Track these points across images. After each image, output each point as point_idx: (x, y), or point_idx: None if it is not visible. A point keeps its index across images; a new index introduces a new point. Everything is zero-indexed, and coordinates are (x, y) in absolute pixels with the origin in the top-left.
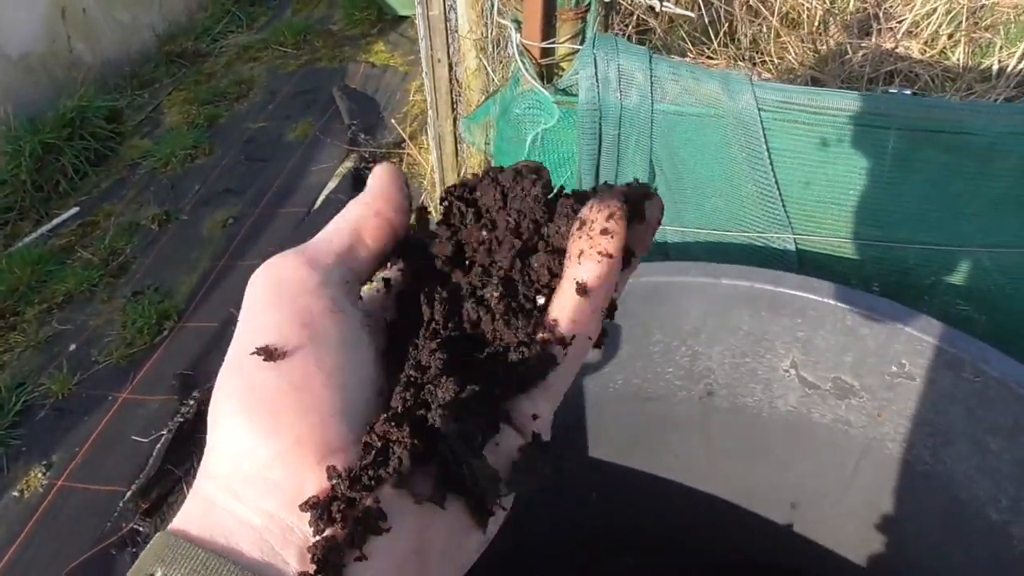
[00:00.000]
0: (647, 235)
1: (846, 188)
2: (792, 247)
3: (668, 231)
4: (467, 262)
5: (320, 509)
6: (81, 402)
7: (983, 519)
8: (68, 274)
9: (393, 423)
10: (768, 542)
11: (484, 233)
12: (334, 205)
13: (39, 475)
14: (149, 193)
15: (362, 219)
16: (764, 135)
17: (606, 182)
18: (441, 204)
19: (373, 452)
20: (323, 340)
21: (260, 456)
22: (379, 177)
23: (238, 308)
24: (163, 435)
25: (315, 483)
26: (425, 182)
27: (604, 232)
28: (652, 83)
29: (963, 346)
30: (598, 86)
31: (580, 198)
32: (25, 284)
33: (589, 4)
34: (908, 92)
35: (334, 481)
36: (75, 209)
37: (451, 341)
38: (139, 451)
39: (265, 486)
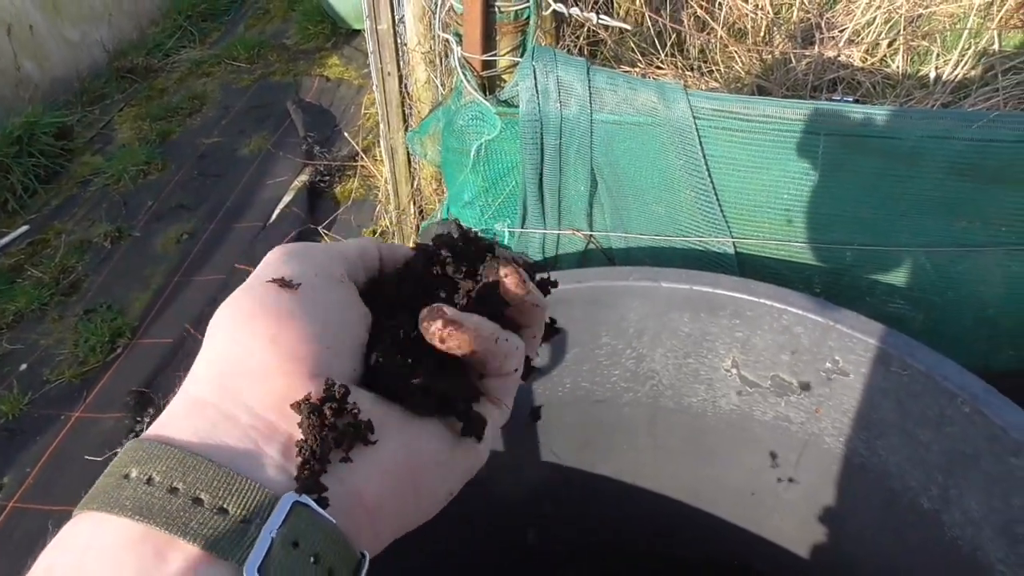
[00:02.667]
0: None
1: (781, 192)
2: (731, 250)
3: (612, 237)
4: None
5: (311, 407)
6: (33, 422)
7: (916, 508)
8: (18, 293)
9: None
10: (717, 538)
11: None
12: (290, 219)
13: None
14: (101, 210)
15: (370, 246)
16: (700, 142)
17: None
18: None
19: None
20: (334, 290)
21: (257, 359)
22: (382, 248)
23: (193, 324)
24: (117, 453)
25: (304, 393)
26: (380, 194)
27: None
28: (591, 93)
29: (891, 341)
30: (538, 97)
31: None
32: None
33: (528, 17)
34: (851, 99)
35: (330, 384)
36: (24, 227)
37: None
38: (93, 470)
39: (259, 388)
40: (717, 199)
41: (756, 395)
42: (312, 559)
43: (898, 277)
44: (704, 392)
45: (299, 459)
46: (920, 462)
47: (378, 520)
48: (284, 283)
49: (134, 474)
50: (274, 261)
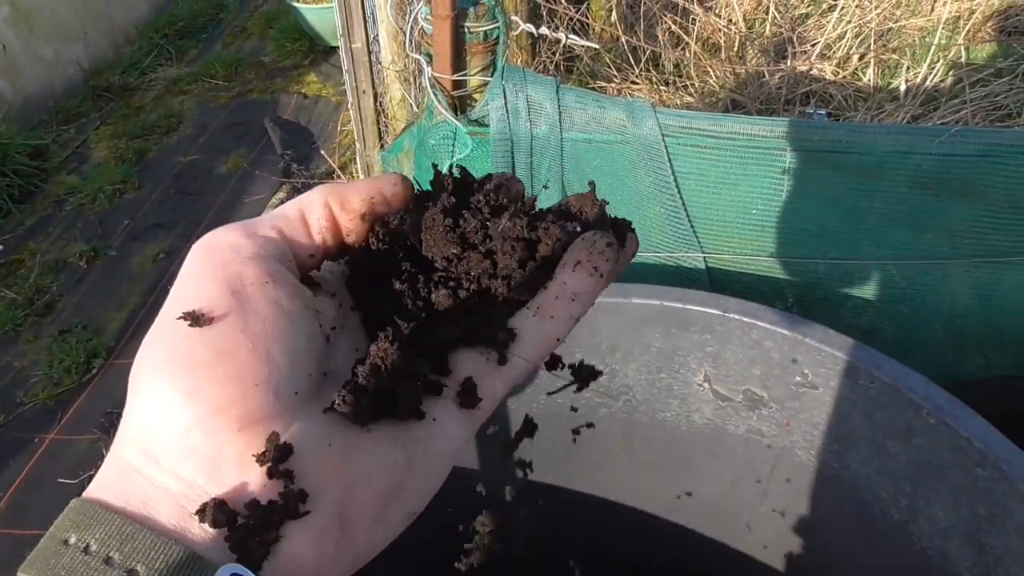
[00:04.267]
0: (622, 267)
1: (750, 208)
2: (702, 265)
3: None
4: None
5: (221, 513)
6: (5, 445)
7: (886, 519)
8: None
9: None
10: (693, 551)
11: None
12: None
13: None
14: (76, 229)
15: (312, 209)
16: (669, 159)
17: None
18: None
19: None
20: (253, 308)
21: (179, 421)
22: (359, 184)
23: None
24: (92, 475)
25: (234, 451)
26: None
27: (603, 253)
28: (560, 112)
29: (858, 354)
30: (508, 116)
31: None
32: None
33: (498, 37)
34: (823, 112)
35: (260, 455)
36: None
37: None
38: (67, 493)
39: (183, 451)
40: (687, 215)
41: (729, 409)
42: None
43: (868, 289)
44: (678, 407)
45: (227, 531)
46: (889, 473)
47: (323, 570)
48: (195, 319)
49: (72, 540)
50: (186, 279)
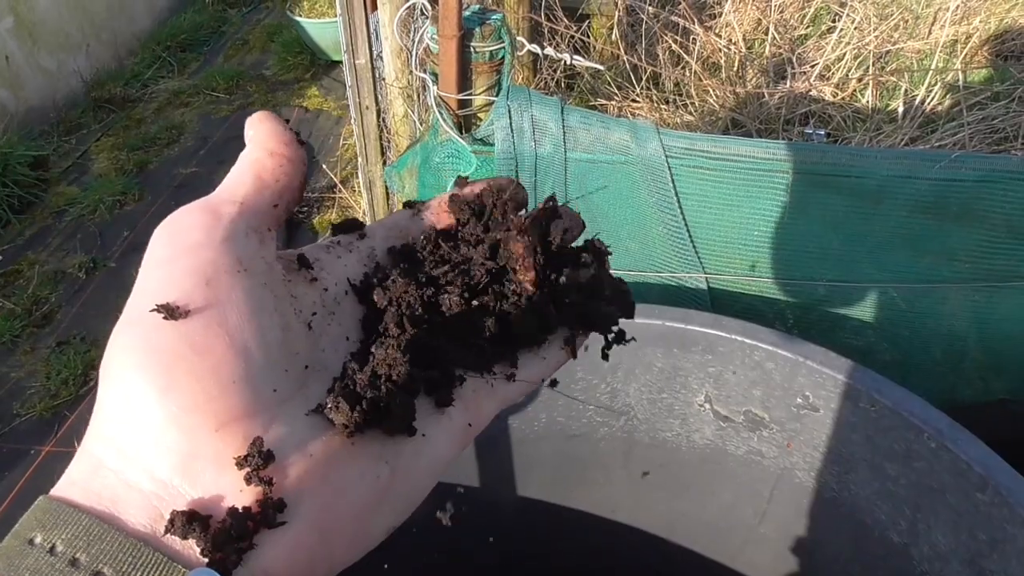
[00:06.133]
0: None
1: (751, 229)
2: (704, 286)
3: None
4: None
5: (193, 522)
6: (1, 457)
7: (886, 542)
8: None
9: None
10: (691, 571)
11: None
12: None
13: None
14: (76, 241)
15: (258, 162)
16: (672, 180)
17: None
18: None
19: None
20: (228, 300)
21: (153, 419)
22: (258, 122)
23: None
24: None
25: (211, 450)
26: None
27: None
28: (565, 132)
29: (859, 377)
30: (513, 136)
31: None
32: None
33: (503, 57)
34: (823, 132)
35: (241, 459)
36: None
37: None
38: None
39: (157, 449)
40: (689, 235)
41: (729, 429)
42: None
43: (867, 311)
44: (679, 426)
45: (202, 535)
46: (889, 496)
47: None
48: (170, 311)
49: (38, 540)
50: (155, 266)
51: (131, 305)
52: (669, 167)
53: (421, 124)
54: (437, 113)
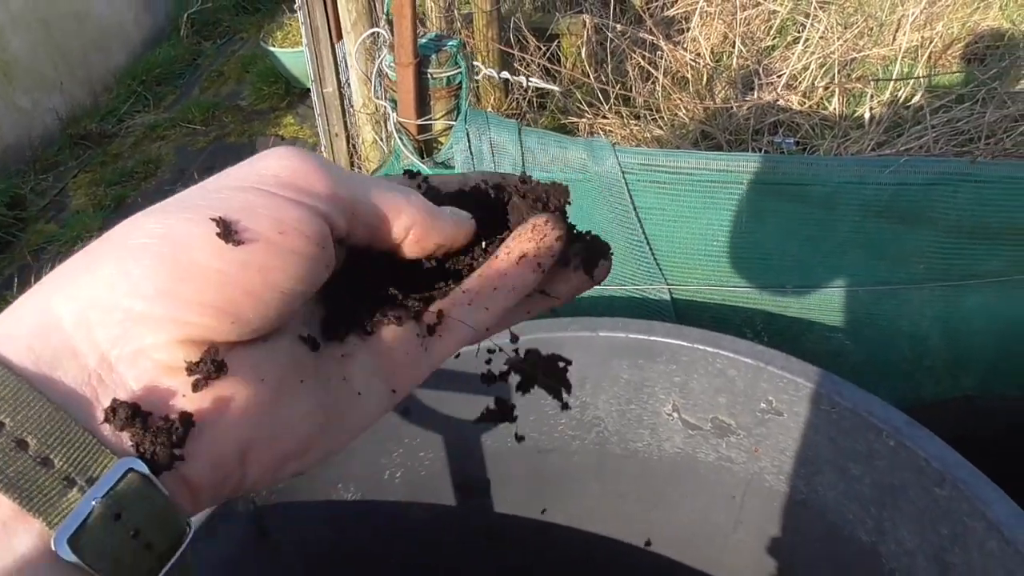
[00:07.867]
0: (586, 288)
1: (710, 240)
2: (668, 297)
3: None
4: None
5: (135, 416)
6: None
7: (855, 541)
8: None
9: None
10: None
11: None
12: None
13: None
14: None
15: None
16: (630, 194)
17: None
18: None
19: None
20: (272, 267)
21: (139, 305)
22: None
23: None
24: None
25: (167, 352)
26: None
27: (550, 248)
28: (523, 153)
29: (819, 380)
30: (472, 159)
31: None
32: None
33: (461, 82)
34: (792, 140)
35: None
36: None
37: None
38: None
39: (121, 330)
40: (650, 248)
41: (698, 437)
42: (132, 533)
43: (831, 314)
44: (649, 436)
45: (141, 430)
46: (855, 496)
47: (201, 496)
48: (228, 232)
49: None
50: (252, 176)
51: (182, 199)
52: (626, 182)
53: (388, 150)
54: (397, 139)
